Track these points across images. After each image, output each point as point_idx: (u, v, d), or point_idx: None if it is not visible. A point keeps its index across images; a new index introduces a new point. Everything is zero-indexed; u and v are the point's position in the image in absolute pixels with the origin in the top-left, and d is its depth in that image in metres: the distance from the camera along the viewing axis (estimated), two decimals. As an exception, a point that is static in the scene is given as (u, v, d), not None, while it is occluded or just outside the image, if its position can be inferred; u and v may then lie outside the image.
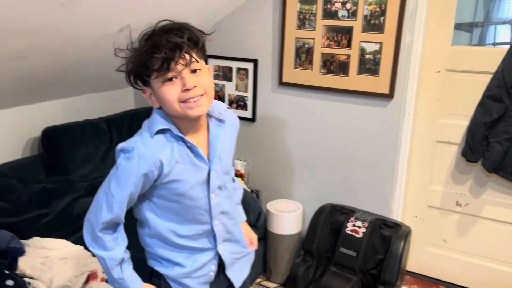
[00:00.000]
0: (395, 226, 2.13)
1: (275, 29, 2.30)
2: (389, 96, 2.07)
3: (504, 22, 2.79)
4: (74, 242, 1.83)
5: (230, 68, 2.48)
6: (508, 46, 1.90)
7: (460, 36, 2.63)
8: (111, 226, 1.12)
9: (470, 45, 2.39)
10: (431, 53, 2.12)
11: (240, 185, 1.46)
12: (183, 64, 1.02)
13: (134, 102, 2.87)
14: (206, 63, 1.10)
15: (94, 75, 2.30)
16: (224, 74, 2.51)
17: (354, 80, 2.12)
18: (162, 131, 1.09)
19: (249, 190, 2.45)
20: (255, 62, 2.39)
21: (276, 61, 2.34)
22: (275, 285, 2.38)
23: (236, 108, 2.52)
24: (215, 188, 1.18)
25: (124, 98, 2.80)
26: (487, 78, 1.96)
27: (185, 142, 1.12)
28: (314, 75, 2.21)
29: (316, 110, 2.29)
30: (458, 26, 2.58)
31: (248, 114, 2.49)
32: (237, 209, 1.39)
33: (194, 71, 1.05)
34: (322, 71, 2.18)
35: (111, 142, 2.35)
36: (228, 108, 1.25)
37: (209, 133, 1.18)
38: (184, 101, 1.04)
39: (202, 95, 1.06)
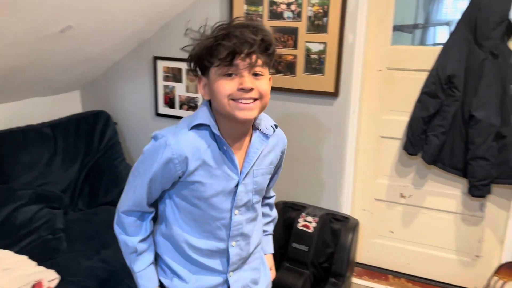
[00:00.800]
0: (344, 219, 2.21)
1: (223, 30, 2.32)
2: (335, 94, 2.15)
3: (442, 24, 2.97)
4: (17, 252, 1.75)
5: (180, 69, 2.47)
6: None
7: (402, 37, 2.77)
8: (136, 211, 1.12)
9: (412, 45, 2.52)
10: (373, 53, 2.22)
11: (275, 215, 1.40)
12: (247, 63, 0.98)
13: (81, 105, 2.79)
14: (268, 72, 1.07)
15: (37, 79, 2.22)
16: (174, 75, 2.50)
17: (301, 79, 2.18)
18: (200, 127, 1.05)
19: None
20: (204, 63, 2.40)
21: (225, 62, 2.35)
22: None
23: (188, 109, 2.51)
24: (241, 204, 1.12)
25: (70, 102, 2.71)
26: (424, 76, 2.08)
27: (221, 143, 1.06)
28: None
29: (265, 110, 2.32)
30: (401, 28, 2.72)
31: (199, 115, 2.49)
32: (265, 239, 1.33)
33: (256, 74, 1.00)
34: (271, 71, 2.22)
35: (56, 147, 2.27)
36: (276, 126, 1.18)
37: (249, 145, 1.11)
38: (235, 100, 0.99)
39: (255, 100, 1.01)
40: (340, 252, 2.10)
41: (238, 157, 1.09)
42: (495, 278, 1.98)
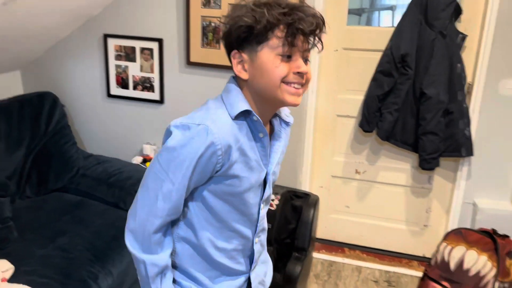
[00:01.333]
0: (305, 196, 2.26)
1: (179, 7, 2.25)
2: (295, 73, 2.17)
3: (387, 8, 3.10)
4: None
5: (133, 48, 2.37)
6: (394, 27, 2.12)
7: (351, 20, 2.85)
8: (166, 223, 0.95)
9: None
10: (329, 33, 2.27)
11: None
12: (306, 46, 0.90)
13: (22, 87, 2.59)
14: None
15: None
16: (127, 54, 2.39)
17: (261, 58, 2.18)
18: (243, 114, 0.94)
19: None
20: (160, 41, 2.32)
21: (183, 40, 2.29)
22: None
23: (142, 90, 2.42)
24: (266, 197, 1.04)
25: (10, 83, 2.51)
26: (379, 55, 2.16)
27: (257, 130, 0.96)
28: (222, 54, 2.21)
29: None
30: (349, 11, 2.81)
31: (155, 96, 2.41)
32: None
33: (306, 59, 0.93)
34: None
35: (-2, 131, 2.10)
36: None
37: (272, 133, 1.03)
38: (288, 83, 0.90)
39: (303, 85, 0.93)
40: (302, 227, 2.15)
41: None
42: (444, 244, 2.14)
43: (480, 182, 2.19)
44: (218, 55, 2.23)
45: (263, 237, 1.11)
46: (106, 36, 2.39)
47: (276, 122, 1.04)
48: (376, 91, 2.16)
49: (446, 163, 2.26)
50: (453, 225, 2.28)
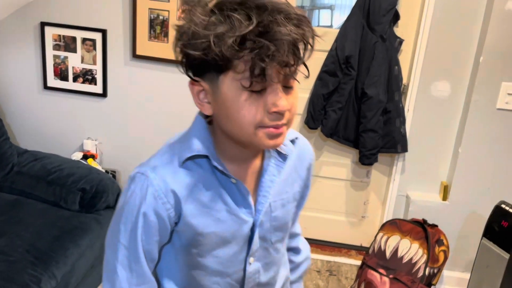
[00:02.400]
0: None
1: (125, -2, 2.17)
2: (244, 70, 2.20)
3: (326, 7, 3.23)
4: None
5: (74, 38, 2.25)
6: (338, 28, 2.21)
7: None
8: None
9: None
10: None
11: (307, 255, 1.03)
12: (282, 74, 0.66)
13: None
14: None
15: None
16: (67, 44, 2.26)
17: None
18: (196, 157, 0.75)
19: (103, 171, 2.30)
20: (103, 32, 2.22)
21: (128, 32, 2.22)
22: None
23: (83, 82, 2.31)
24: (256, 249, 0.82)
25: None
26: (324, 55, 2.25)
27: (224, 176, 0.76)
28: (170, 48, 2.17)
29: (172, 84, 2.26)
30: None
31: (97, 89, 2.31)
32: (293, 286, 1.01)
33: (288, 87, 0.69)
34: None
35: None
36: (297, 138, 0.86)
37: (261, 170, 0.81)
38: (264, 127, 0.69)
39: (286, 125, 0.71)
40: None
41: (249, 187, 0.80)
42: (380, 234, 2.30)
43: (412, 176, 2.37)
44: (166, 48, 2.19)
45: None
46: (43, 24, 2.24)
47: (267, 155, 0.81)
48: (322, 90, 2.25)
49: (383, 159, 2.42)
50: (388, 216, 2.45)
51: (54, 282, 1.66)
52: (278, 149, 0.80)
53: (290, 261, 0.99)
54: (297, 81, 0.70)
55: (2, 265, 1.61)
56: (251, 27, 0.62)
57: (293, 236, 0.99)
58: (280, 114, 0.68)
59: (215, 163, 0.74)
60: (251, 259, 0.82)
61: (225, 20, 0.64)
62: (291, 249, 0.99)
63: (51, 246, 1.76)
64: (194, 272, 0.80)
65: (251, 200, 0.79)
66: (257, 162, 0.81)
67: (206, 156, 0.75)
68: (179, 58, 0.71)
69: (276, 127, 0.69)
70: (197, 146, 0.74)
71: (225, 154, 0.77)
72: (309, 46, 0.67)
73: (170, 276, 0.83)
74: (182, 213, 0.75)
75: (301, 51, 0.67)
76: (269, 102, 0.67)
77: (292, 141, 0.85)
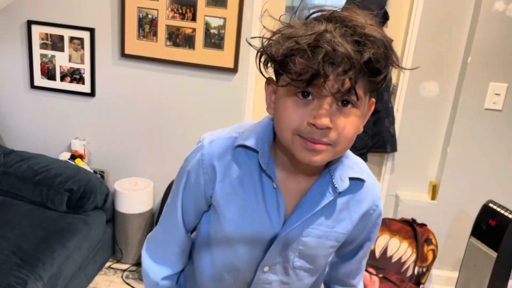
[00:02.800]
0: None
1: (113, -3, 2.15)
2: (234, 70, 2.19)
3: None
4: None
5: (61, 37, 2.22)
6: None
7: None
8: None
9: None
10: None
11: None
12: (335, 88, 0.64)
13: None
14: (369, 101, 0.74)
15: None
16: (54, 43, 2.23)
17: (200, 53, 2.16)
18: (249, 148, 0.77)
19: (92, 171, 2.28)
20: (91, 31, 2.19)
21: (117, 31, 2.19)
22: (127, 265, 2.31)
23: (71, 81, 2.28)
24: (273, 262, 0.82)
25: None
26: (313, 55, 2.25)
27: (268, 179, 0.77)
28: (159, 47, 2.16)
29: (161, 84, 2.25)
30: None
31: (85, 88, 2.28)
32: None
33: (345, 103, 0.67)
34: (168, 43, 2.15)
35: None
36: (363, 180, 0.82)
37: (309, 190, 0.79)
38: (301, 137, 0.68)
39: (329, 145, 0.69)
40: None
41: (289, 200, 0.79)
42: (370, 233, 2.31)
43: (402, 175, 2.38)
44: (154, 48, 2.16)
45: None
46: (30, 23, 2.21)
47: (323, 180, 0.78)
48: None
49: (372, 158, 2.43)
50: (378, 215, 2.46)
51: (41, 284, 1.63)
52: (333, 178, 0.78)
53: None
54: (353, 103, 0.67)
55: (-13, 267, 1.58)
56: (307, 33, 0.64)
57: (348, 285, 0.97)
58: (318, 129, 0.66)
59: (261, 161, 0.76)
60: (265, 268, 0.82)
61: (304, 26, 0.67)
62: None
63: (37, 247, 1.73)
64: (213, 253, 0.85)
65: (283, 211, 0.78)
66: (309, 182, 0.79)
67: (256, 152, 0.76)
68: (260, 59, 0.73)
69: (313, 141, 0.67)
70: (253, 140, 0.77)
71: (278, 160, 0.78)
72: (366, 65, 0.64)
73: (201, 263, 0.89)
74: (215, 189, 0.79)
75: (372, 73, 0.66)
76: (311, 113, 0.66)
77: (355, 180, 0.81)
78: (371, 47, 0.63)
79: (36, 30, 2.21)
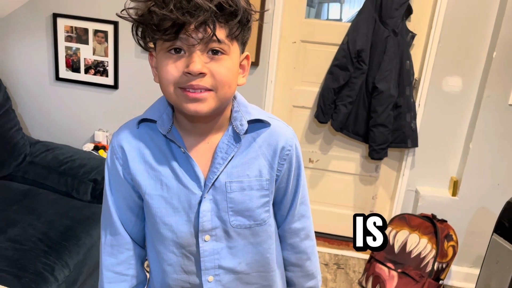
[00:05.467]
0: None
1: (136, -10, 2.17)
2: (255, 64, 2.20)
3: (335, 1, 3.21)
4: None
5: (86, 30, 2.26)
6: (350, 21, 2.20)
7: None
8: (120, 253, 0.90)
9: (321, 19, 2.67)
10: (288, 25, 2.31)
11: (311, 270, 0.98)
12: (199, 37, 0.70)
13: (-43, 66, 2.37)
14: (242, 51, 0.79)
15: None
16: (79, 36, 2.27)
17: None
18: (151, 122, 0.83)
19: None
20: (115, 24, 2.23)
21: (140, 24, 2.22)
22: (147, 255, 2.35)
23: (95, 74, 2.32)
24: (210, 227, 0.83)
25: None
26: (334, 49, 2.24)
27: (176, 146, 0.81)
28: (182, 41, 2.18)
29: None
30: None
31: (109, 80, 2.32)
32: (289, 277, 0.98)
33: (214, 52, 0.72)
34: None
35: None
36: (271, 117, 0.86)
37: (218, 144, 0.82)
38: (182, 87, 0.73)
39: (209, 90, 0.73)
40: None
41: (204, 162, 0.82)
42: (389, 228, 2.30)
43: (422, 171, 2.37)
44: (177, 41, 2.19)
45: (230, 277, 0.87)
46: (55, 16, 2.25)
47: (226, 133, 0.83)
48: (332, 84, 2.24)
49: (392, 153, 2.42)
50: (397, 210, 2.45)
51: (67, 270, 1.68)
52: (235, 126, 0.82)
53: (292, 264, 0.96)
54: (223, 51, 0.73)
55: (15, 254, 1.63)
56: None
57: (292, 231, 0.93)
58: (191, 75, 0.71)
59: (160, 129, 0.80)
60: (206, 237, 0.83)
61: None
62: (290, 246, 0.95)
63: (63, 235, 1.78)
64: (157, 244, 0.86)
65: (200, 173, 0.81)
66: (217, 139, 0.83)
67: (155, 122, 0.81)
68: (138, 34, 0.76)
69: (192, 88, 0.72)
70: (149, 112, 0.82)
71: (182, 126, 0.82)
72: (220, 9, 0.69)
73: (150, 254, 0.90)
74: (131, 170, 0.82)
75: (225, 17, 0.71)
76: (185, 64, 0.72)
77: (257, 123, 0.84)
78: None
79: (62, 23, 2.25)
